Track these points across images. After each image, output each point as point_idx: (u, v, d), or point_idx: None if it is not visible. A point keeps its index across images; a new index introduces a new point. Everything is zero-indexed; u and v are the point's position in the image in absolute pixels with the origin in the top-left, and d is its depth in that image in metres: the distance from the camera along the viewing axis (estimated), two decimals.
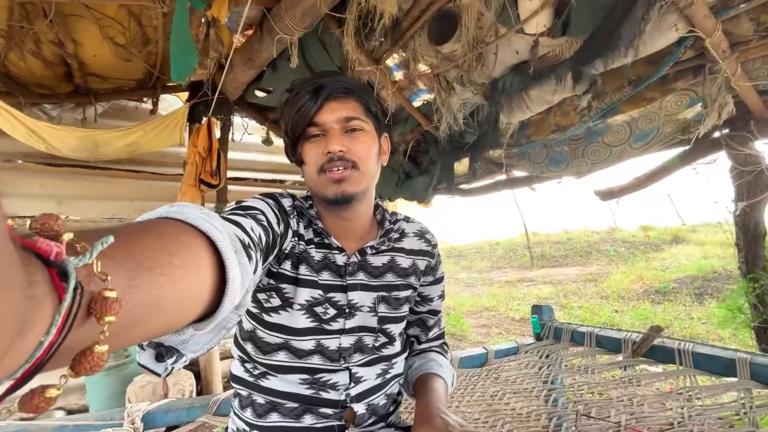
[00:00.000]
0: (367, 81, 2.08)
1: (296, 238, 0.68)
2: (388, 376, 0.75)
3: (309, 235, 0.70)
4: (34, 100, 2.28)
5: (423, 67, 1.96)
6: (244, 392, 0.72)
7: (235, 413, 0.74)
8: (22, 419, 1.09)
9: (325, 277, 0.69)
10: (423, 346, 0.86)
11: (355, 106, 0.66)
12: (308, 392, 0.68)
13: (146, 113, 2.88)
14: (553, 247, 9.44)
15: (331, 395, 0.69)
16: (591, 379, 1.29)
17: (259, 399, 0.69)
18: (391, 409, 0.77)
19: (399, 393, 0.80)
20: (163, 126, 2.27)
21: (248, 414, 0.70)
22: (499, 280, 7.61)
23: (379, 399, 0.74)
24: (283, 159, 4.24)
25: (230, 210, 0.55)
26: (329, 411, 0.69)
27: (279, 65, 2.14)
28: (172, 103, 2.97)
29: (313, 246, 0.70)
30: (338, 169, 0.64)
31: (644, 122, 1.85)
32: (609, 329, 1.49)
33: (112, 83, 2.37)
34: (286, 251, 0.66)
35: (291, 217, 0.67)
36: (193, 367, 2.82)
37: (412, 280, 0.77)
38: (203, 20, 1.69)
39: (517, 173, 2.84)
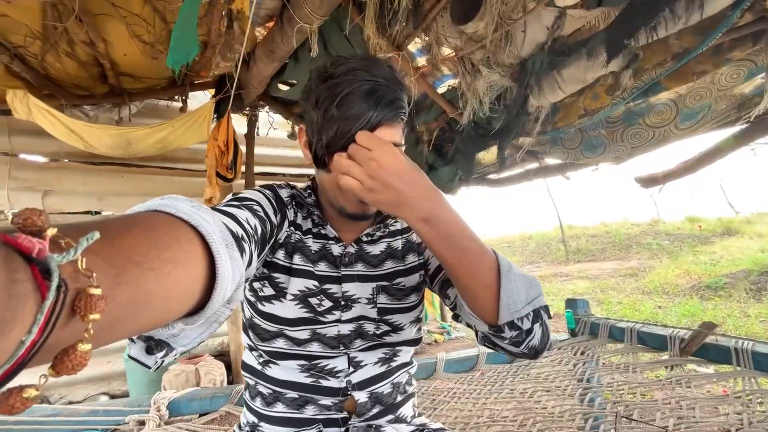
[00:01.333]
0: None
1: (292, 228, 0.67)
2: (393, 364, 0.71)
3: (307, 225, 0.69)
4: (74, 101, 2.40)
5: (447, 51, 1.88)
6: (251, 381, 0.72)
7: (247, 404, 0.74)
8: None
9: (322, 267, 0.67)
10: None
11: (400, 128, 0.60)
12: (308, 381, 0.67)
13: (176, 111, 2.97)
14: (590, 241, 9.03)
15: (331, 383, 0.67)
16: (632, 379, 1.18)
17: (264, 389, 0.69)
18: (399, 399, 0.72)
19: (408, 383, 0.76)
20: (191, 122, 2.32)
21: (258, 403, 0.70)
22: (532, 275, 7.35)
23: (384, 387, 0.70)
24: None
25: (226, 201, 0.54)
26: (330, 401, 0.67)
27: (301, 57, 2.13)
28: (202, 100, 3.05)
29: (310, 236, 0.68)
30: None
31: (693, 99, 1.68)
32: (652, 325, 1.37)
33: (143, 83, 2.45)
34: (281, 240, 0.65)
35: (288, 207, 0.66)
36: (224, 357, 2.90)
37: (411, 257, 0.72)
38: (224, 13, 1.69)
39: (550, 161, 2.70)
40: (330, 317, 0.66)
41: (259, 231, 0.52)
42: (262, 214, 0.55)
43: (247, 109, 2.95)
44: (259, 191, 0.62)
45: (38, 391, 0.20)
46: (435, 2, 1.62)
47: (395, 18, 1.66)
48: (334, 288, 0.67)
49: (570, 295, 5.65)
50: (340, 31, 1.96)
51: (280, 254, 0.66)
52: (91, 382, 2.88)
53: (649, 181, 2.23)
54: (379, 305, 0.68)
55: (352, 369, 0.68)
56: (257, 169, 3.08)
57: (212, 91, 2.74)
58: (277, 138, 3.44)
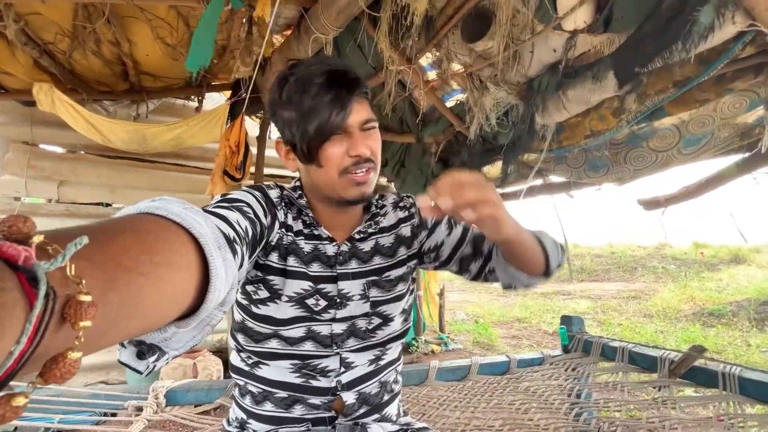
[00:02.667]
0: (398, 80, 2.08)
1: (284, 230, 0.67)
2: (381, 363, 0.73)
3: (298, 226, 0.69)
4: (95, 96, 2.50)
5: (456, 67, 1.93)
6: (241, 381, 0.72)
7: (236, 401, 0.75)
8: None
9: (315, 268, 0.68)
10: (493, 262, 0.74)
11: (367, 104, 0.65)
12: (298, 380, 0.68)
13: (191, 111, 3.06)
14: (595, 261, 8.96)
15: (322, 383, 0.68)
16: (620, 397, 1.20)
17: (254, 389, 0.70)
18: (386, 398, 0.74)
19: (395, 381, 0.77)
20: (206, 122, 2.40)
21: (247, 401, 0.71)
22: (534, 292, 7.32)
23: (372, 387, 0.72)
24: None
25: (216, 203, 0.54)
26: (318, 401, 0.68)
27: (322, 56, 2.20)
28: (218, 101, 3.14)
29: (302, 237, 0.68)
30: (363, 172, 0.63)
31: (696, 125, 1.71)
32: (644, 346, 1.39)
33: (162, 82, 2.54)
34: (273, 243, 0.65)
35: (278, 208, 0.66)
36: (222, 354, 2.94)
37: (402, 251, 0.74)
38: (244, 20, 1.77)
39: (554, 178, 2.73)
40: (326, 315, 0.67)
41: (250, 233, 0.52)
42: (252, 216, 0.55)
43: (261, 112, 3.03)
44: (248, 192, 0.61)
45: (27, 399, 0.19)
46: (447, 20, 1.68)
47: (408, 33, 1.72)
48: (329, 287, 0.68)
49: (571, 313, 5.61)
50: (354, 42, 2.03)
51: (274, 257, 0.66)
52: (90, 371, 2.93)
53: (651, 204, 2.25)
54: (371, 299, 0.70)
55: (343, 369, 0.69)
56: (266, 170, 3.15)
57: (227, 93, 2.82)
58: None
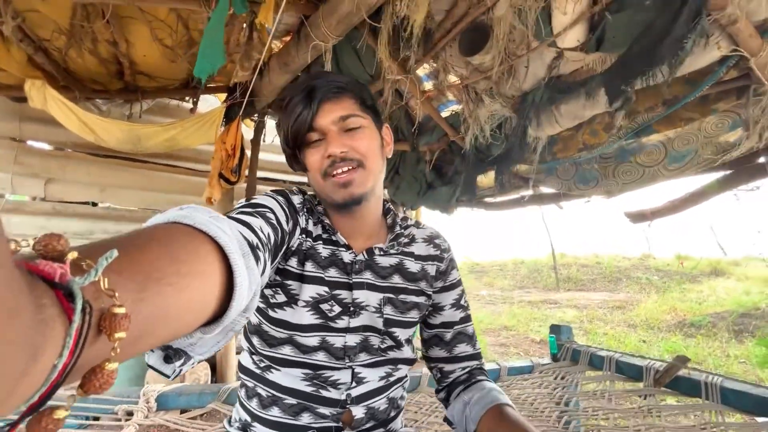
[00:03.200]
0: (395, 90, 2.11)
1: (303, 235, 0.68)
2: (392, 379, 0.73)
3: (317, 231, 0.70)
4: (88, 94, 2.47)
5: (453, 78, 1.97)
6: (250, 383, 0.72)
7: (241, 403, 0.74)
8: None
9: (332, 273, 0.68)
10: (454, 368, 0.77)
11: (350, 104, 0.65)
12: (309, 389, 0.67)
13: (186, 111, 3.05)
14: (581, 270, 9.10)
15: (332, 394, 0.68)
16: (607, 406, 1.23)
17: (262, 392, 0.69)
18: (392, 414, 0.74)
19: (402, 398, 0.78)
20: (201, 124, 2.39)
21: (254, 404, 0.71)
22: (521, 300, 7.39)
23: (380, 403, 0.72)
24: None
25: (239, 208, 0.54)
26: (327, 411, 0.67)
27: (313, 71, 2.21)
28: (212, 103, 3.13)
29: (320, 242, 0.69)
30: (342, 171, 0.63)
31: (681, 143, 1.78)
32: (630, 355, 1.43)
33: (157, 82, 2.52)
34: (293, 248, 0.66)
35: (300, 214, 0.67)
36: (210, 359, 2.89)
37: (423, 285, 0.75)
38: (245, 25, 1.78)
39: (545, 189, 2.79)
40: (340, 323, 0.67)
41: (272, 239, 0.52)
42: (275, 222, 0.55)
43: (255, 116, 3.03)
44: (272, 197, 0.62)
45: (68, 411, 0.20)
46: (445, 33, 1.72)
47: (407, 44, 1.75)
48: (344, 294, 0.68)
49: (557, 322, 5.68)
50: (353, 50, 2.05)
51: (293, 262, 0.66)
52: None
53: (637, 217, 2.32)
54: (385, 316, 0.70)
55: (354, 384, 0.68)
56: (260, 174, 3.14)
57: (222, 96, 2.82)
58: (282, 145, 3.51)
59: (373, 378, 0.70)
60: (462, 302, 0.79)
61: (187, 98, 2.93)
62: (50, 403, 0.20)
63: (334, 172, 0.63)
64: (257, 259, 0.41)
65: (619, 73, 1.41)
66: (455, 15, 1.63)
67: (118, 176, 3.10)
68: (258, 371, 0.70)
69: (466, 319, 0.79)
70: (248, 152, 2.69)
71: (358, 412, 0.69)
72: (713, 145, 1.77)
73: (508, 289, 8.74)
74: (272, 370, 0.68)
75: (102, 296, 0.22)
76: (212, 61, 1.26)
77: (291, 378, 0.67)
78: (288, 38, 2.16)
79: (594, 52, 1.46)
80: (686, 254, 8.87)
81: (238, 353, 2.99)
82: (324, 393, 0.67)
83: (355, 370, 0.68)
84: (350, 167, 0.63)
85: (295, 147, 0.66)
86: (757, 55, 1.24)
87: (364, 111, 0.66)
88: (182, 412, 1.28)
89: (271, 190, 0.65)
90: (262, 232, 0.49)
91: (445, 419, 0.77)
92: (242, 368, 0.74)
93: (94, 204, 3.23)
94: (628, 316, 5.57)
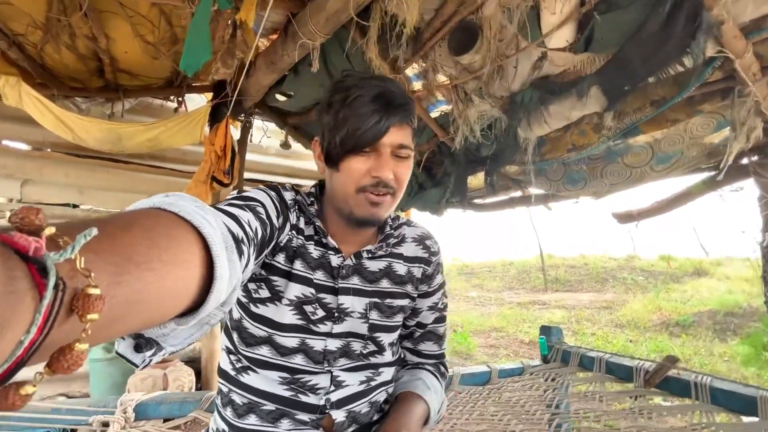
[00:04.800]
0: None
1: (294, 232, 0.66)
2: (373, 384, 0.72)
3: (309, 231, 0.68)
4: (66, 92, 2.38)
5: (442, 78, 1.96)
6: (225, 388, 0.70)
7: (218, 411, 0.72)
8: None
9: (319, 276, 0.67)
10: (415, 360, 0.81)
11: (409, 131, 0.64)
12: (287, 394, 0.66)
13: (171, 111, 2.97)
14: (569, 271, 9.22)
15: (311, 399, 0.66)
16: (598, 408, 1.22)
17: (238, 398, 0.67)
18: (375, 418, 0.73)
19: (386, 401, 0.76)
20: (185, 123, 2.33)
21: (229, 412, 0.69)
22: (510, 301, 7.44)
23: (362, 406, 0.70)
24: (301, 164, 4.28)
25: (229, 200, 0.53)
26: (307, 417, 0.66)
27: (300, 70, 2.18)
28: (198, 102, 3.06)
29: (312, 243, 0.68)
30: (379, 195, 0.62)
31: (667, 144, 1.79)
32: (620, 356, 1.42)
33: (140, 80, 2.45)
34: (282, 244, 0.65)
35: (291, 211, 0.66)
36: (194, 364, 2.82)
37: (409, 288, 0.74)
38: (230, 22, 1.74)
39: (533, 190, 2.80)
40: (322, 327, 0.66)
41: (260, 234, 0.52)
42: (264, 217, 0.54)
43: (242, 115, 2.98)
44: (263, 191, 0.61)
45: (35, 388, 0.19)
46: (434, 32, 1.70)
47: (396, 43, 1.73)
48: (329, 298, 0.67)
49: (546, 323, 5.73)
50: (341, 49, 2.02)
51: (280, 258, 0.65)
52: (49, 383, 2.75)
53: (624, 218, 2.34)
54: (371, 321, 0.69)
55: (333, 388, 0.67)
56: (247, 175, 3.08)
57: (209, 96, 2.76)
58: (269, 146, 3.45)
59: (353, 382, 0.69)
60: (439, 305, 0.80)
61: (171, 98, 2.86)
62: (17, 378, 0.19)
63: (373, 192, 0.62)
64: (241, 253, 0.40)
65: (618, 77, 1.41)
66: (444, 14, 1.61)
67: (98, 177, 3.01)
68: (233, 373, 0.68)
69: (440, 320, 0.81)
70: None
71: (338, 416, 0.67)
72: (699, 146, 1.79)
73: (497, 290, 8.80)
74: (249, 371, 0.67)
75: (78, 275, 0.21)
76: (198, 55, 1.23)
77: (268, 381, 0.66)
78: (275, 36, 2.13)
79: (583, 53, 1.46)
80: (670, 254, 9.07)
81: None
82: (303, 398, 0.66)
83: (334, 374, 0.67)
84: (387, 193, 0.63)
85: (345, 150, 0.62)
86: (741, 56, 1.25)
87: (413, 140, 0.66)
88: (165, 421, 1.23)
89: (264, 185, 0.64)
90: (250, 226, 0.48)
91: None
92: (220, 371, 0.72)
93: (75, 206, 3.13)
94: (615, 316, 5.65)
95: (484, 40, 1.55)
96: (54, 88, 2.25)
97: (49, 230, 0.21)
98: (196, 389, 2.61)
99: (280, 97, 2.61)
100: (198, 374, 2.71)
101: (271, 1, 1.48)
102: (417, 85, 2.18)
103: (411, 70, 2.11)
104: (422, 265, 0.76)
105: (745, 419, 1.04)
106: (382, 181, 0.61)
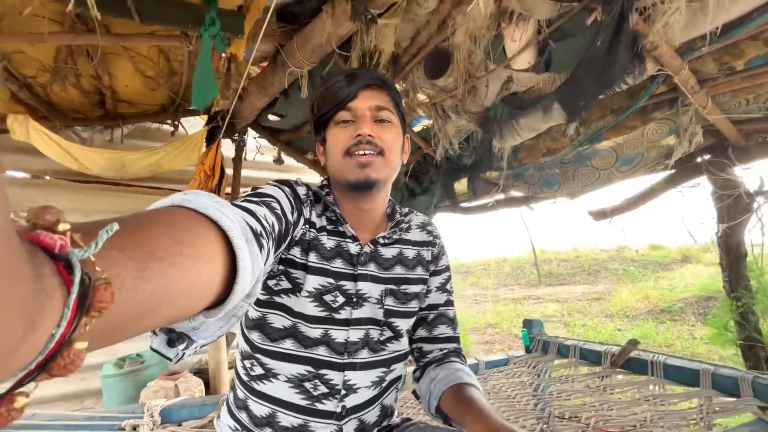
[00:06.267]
0: None
1: (307, 226, 0.68)
2: (384, 384, 0.73)
3: (321, 222, 0.70)
4: (68, 123, 2.51)
5: (422, 97, 2.13)
6: (241, 393, 0.70)
7: (230, 411, 0.73)
8: None
9: (337, 264, 0.69)
10: (432, 349, 0.79)
11: (387, 99, 0.69)
12: (304, 403, 0.66)
13: (167, 134, 3.11)
14: (561, 265, 9.41)
15: (327, 406, 0.66)
16: (570, 388, 1.38)
17: (255, 407, 0.68)
18: (384, 423, 0.74)
19: (395, 400, 0.77)
20: (183, 147, 2.47)
21: (244, 416, 0.69)
22: (505, 298, 7.61)
23: (372, 413, 0.71)
24: (294, 177, 4.45)
25: (245, 196, 0.55)
26: (325, 430, 0.67)
27: (291, 93, 2.33)
28: (194, 123, 3.20)
29: (325, 233, 0.69)
30: (365, 153, 0.64)
31: (629, 148, 1.98)
32: (592, 342, 1.59)
33: (138, 108, 2.59)
34: (296, 238, 0.66)
35: (305, 205, 0.67)
36: (203, 375, 2.94)
37: (420, 270, 0.77)
38: (224, 56, 1.89)
39: (515, 193, 2.97)
40: (343, 313, 0.67)
41: (276, 229, 0.52)
42: (279, 212, 0.55)
43: (236, 135, 3.12)
44: (277, 187, 0.61)
45: (29, 399, 0.19)
46: (411, 58, 1.87)
47: (376, 68, 1.89)
48: (348, 285, 0.68)
49: (540, 317, 5.90)
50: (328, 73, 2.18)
51: (296, 251, 0.67)
52: (63, 400, 2.86)
53: (599, 215, 2.52)
54: (386, 306, 0.71)
55: (345, 391, 0.67)
56: (243, 190, 3.21)
57: (205, 117, 2.90)
58: (263, 162, 3.59)
59: (364, 383, 0.69)
60: (447, 287, 0.82)
61: (168, 121, 2.99)
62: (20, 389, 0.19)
63: (357, 152, 0.65)
64: (261, 246, 0.41)
65: (575, 92, 1.58)
66: (419, 42, 1.78)
67: (101, 201, 3.12)
68: (248, 379, 0.69)
69: (449, 302, 0.82)
70: (229, 171, 2.77)
71: (349, 428, 0.69)
72: (657, 148, 1.98)
73: (492, 287, 8.97)
74: (264, 380, 0.67)
75: (100, 270, 0.21)
76: (206, 93, 1.39)
77: (285, 390, 0.66)
78: (265, 63, 2.28)
79: (544, 73, 1.64)
80: (659, 244, 9.29)
81: (230, 368, 3.05)
82: (319, 406, 0.66)
83: (346, 377, 0.68)
84: (373, 152, 0.65)
85: (321, 118, 0.68)
86: (678, 73, 1.43)
87: (396, 110, 0.70)
88: (179, 425, 1.36)
89: (276, 180, 0.65)
90: (266, 221, 0.48)
91: (413, 392, 0.82)
92: (237, 375, 0.73)
93: None
94: (606, 306, 5.84)
95: (456, 64, 1.71)
96: (56, 120, 2.38)
97: (63, 227, 0.20)
98: None
99: (273, 118, 2.76)
100: (207, 384, 2.83)
101: (260, 39, 1.63)
102: None
103: None
104: (429, 248, 0.80)
105: (691, 389, 1.20)
106: (362, 137, 0.64)
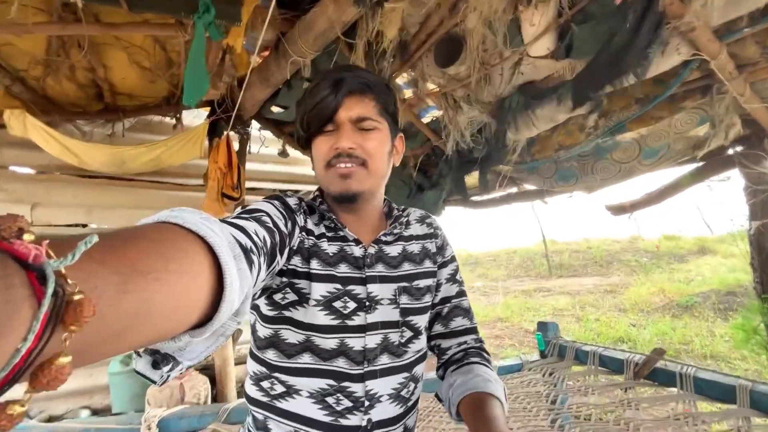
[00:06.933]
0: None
1: (304, 233, 0.66)
2: (410, 403, 0.70)
3: (320, 230, 0.68)
4: (67, 117, 2.45)
5: (431, 86, 2.01)
6: (260, 416, 0.67)
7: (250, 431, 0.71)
8: None
9: (343, 269, 0.67)
10: (450, 344, 0.77)
11: (371, 106, 0.66)
12: (328, 419, 0.64)
13: (169, 127, 3.04)
14: (572, 256, 9.26)
15: (351, 421, 0.64)
16: (591, 401, 1.29)
17: (277, 427, 0.65)
18: None
19: (416, 424, 0.74)
20: (185, 141, 2.40)
21: None
22: (515, 290, 7.51)
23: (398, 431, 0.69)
24: (299, 170, 4.33)
25: (235, 215, 0.54)
26: None
27: (293, 84, 2.23)
28: (197, 114, 3.12)
29: (325, 240, 0.68)
30: (344, 165, 0.64)
31: (653, 139, 1.84)
32: (613, 349, 1.49)
33: (138, 101, 2.52)
34: (294, 247, 0.64)
35: (298, 214, 0.66)
36: (209, 372, 2.93)
37: (428, 264, 0.76)
38: (224, 45, 1.79)
39: (528, 186, 2.85)
40: (356, 319, 0.65)
41: (269, 243, 0.51)
42: (271, 225, 0.54)
43: (239, 127, 3.04)
44: (266, 201, 0.61)
45: (24, 408, 0.18)
46: (420, 44, 1.75)
47: (382, 56, 1.78)
48: (358, 289, 0.67)
49: (551, 310, 5.80)
50: (332, 63, 2.07)
51: (296, 260, 0.65)
52: (71, 396, 2.87)
53: (617, 210, 2.39)
54: (401, 306, 0.69)
55: (368, 403, 0.65)
56: (249, 184, 3.15)
57: (207, 109, 2.82)
58: (267, 154, 3.52)
59: (385, 391, 0.67)
60: (457, 277, 0.81)
61: (170, 114, 2.92)
62: (5, 397, 0.18)
63: (337, 164, 0.64)
64: (251, 262, 0.40)
65: (587, 81, 1.46)
66: (429, 27, 1.66)
67: (105, 196, 3.09)
68: (266, 399, 0.66)
69: (462, 293, 0.80)
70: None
71: None
72: (684, 139, 1.84)
73: (501, 279, 8.87)
74: (287, 397, 0.65)
75: (79, 283, 0.20)
76: (198, 88, 1.29)
77: (308, 406, 0.64)
78: (266, 53, 2.18)
79: (564, 59, 1.51)
80: (674, 234, 9.06)
81: (237, 364, 3.02)
82: (343, 422, 0.64)
83: (368, 387, 0.65)
84: (353, 164, 0.64)
85: (308, 131, 0.67)
86: (716, 57, 1.29)
87: (381, 115, 0.67)
88: None
89: (265, 197, 0.65)
90: (257, 235, 0.48)
91: (436, 395, 0.78)
92: (250, 399, 0.70)
93: (84, 226, 3.21)
94: (619, 300, 5.70)
95: (469, 51, 1.59)
96: (55, 114, 2.33)
97: (28, 237, 0.20)
98: (212, 396, 2.72)
99: (276, 109, 2.67)
100: (212, 381, 2.81)
101: (265, 27, 1.53)
102: (407, 93, 2.23)
103: (401, 79, 2.16)
104: (432, 240, 0.79)
105: (726, 407, 1.11)
106: (341, 151, 0.63)
